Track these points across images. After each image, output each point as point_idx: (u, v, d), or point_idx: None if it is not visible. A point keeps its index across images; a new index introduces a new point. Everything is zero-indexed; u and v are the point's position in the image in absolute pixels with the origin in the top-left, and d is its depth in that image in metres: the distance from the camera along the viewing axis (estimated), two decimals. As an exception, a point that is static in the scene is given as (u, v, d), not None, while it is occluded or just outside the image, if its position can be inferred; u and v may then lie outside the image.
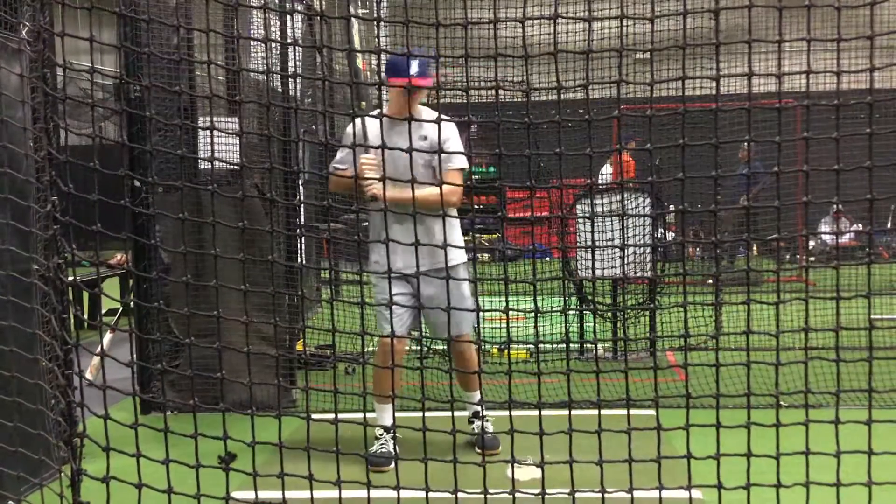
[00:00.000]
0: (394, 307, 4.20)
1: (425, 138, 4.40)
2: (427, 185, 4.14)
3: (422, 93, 4.60)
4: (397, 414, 4.56)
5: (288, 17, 5.89)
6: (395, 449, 4.46)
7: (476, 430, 4.79)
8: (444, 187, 3.84)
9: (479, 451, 4.62)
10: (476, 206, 10.29)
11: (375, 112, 4.41)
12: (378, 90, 4.35)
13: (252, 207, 5.48)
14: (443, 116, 4.18)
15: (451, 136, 4.45)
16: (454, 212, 4.63)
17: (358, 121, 4.05)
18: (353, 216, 9.28)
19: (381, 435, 4.56)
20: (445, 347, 6.33)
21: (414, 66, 4.34)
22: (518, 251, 11.59)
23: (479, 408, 4.75)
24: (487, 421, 4.84)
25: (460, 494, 2.68)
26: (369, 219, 4.70)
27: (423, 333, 5.27)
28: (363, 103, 4.37)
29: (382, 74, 4.98)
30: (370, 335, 3.34)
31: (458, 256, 4.60)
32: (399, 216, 3.76)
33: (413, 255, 3.73)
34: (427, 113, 4.62)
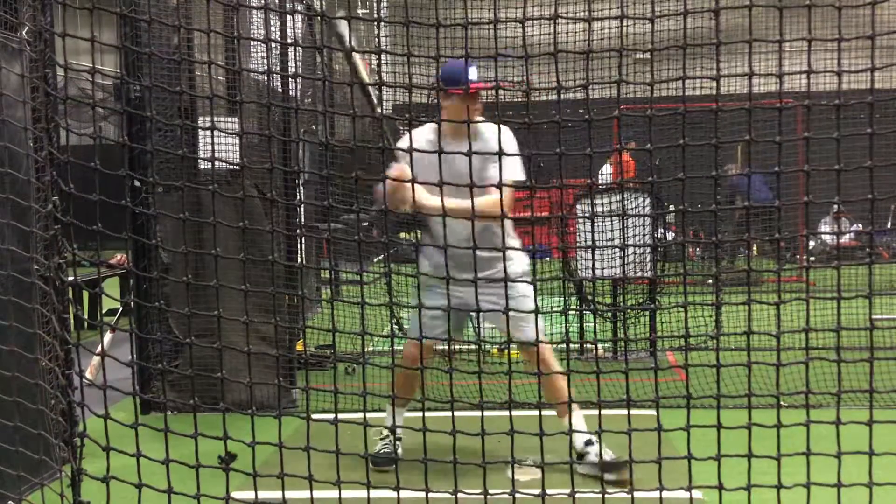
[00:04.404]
0: (429, 313, 4.11)
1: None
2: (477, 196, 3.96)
3: (479, 102, 4.36)
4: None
5: (288, 17, 5.89)
6: (396, 450, 4.46)
7: (594, 458, 4.23)
8: (491, 199, 3.63)
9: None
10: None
11: (428, 126, 4.31)
12: (379, 90, 4.33)
13: (252, 207, 5.48)
14: (490, 125, 3.93)
15: (509, 147, 4.16)
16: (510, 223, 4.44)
17: (406, 140, 3.94)
18: (353, 216, 9.28)
19: (385, 436, 4.55)
20: (445, 347, 6.34)
21: (474, 73, 4.21)
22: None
23: (585, 434, 4.18)
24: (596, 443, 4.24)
25: (460, 495, 2.68)
26: (427, 223, 4.46)
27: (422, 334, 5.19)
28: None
29: (385, 77, 4.91)
30: (370, 335, 3.34)
31: (515, 262, 4.33)
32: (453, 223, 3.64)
33: (467, 264, 3.54)
34: (485, 127, 4.33)
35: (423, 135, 4.25)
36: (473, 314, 4.31)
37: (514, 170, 4.22)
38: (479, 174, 3.97)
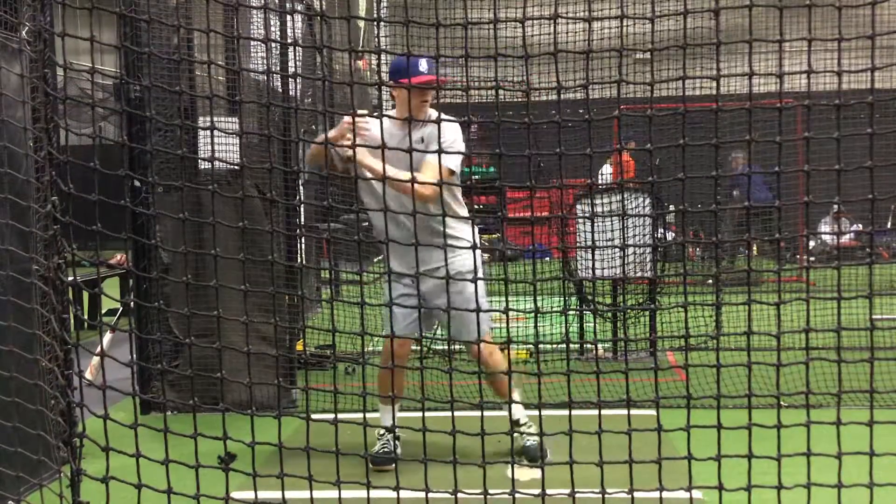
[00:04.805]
0: (398, 308, 4.18)
1: (422, 140, 4.30)
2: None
3: (431, 93, 4.41)
4: (398, 414, 4.56)
5: (288, 17, 5.89)
6: (395, 449, 4.46)
7: (523, 442, 4.51)
8: (418, 177, 3.69)
9: (526, 463, 4.33)
10: (476, 206, 10.35)
11: (376, 114, 4.34)
12: (378, 90, 4.33)
13: (252, 207, 5.48)
14: (445, 116, 4.10)
15: (451, 138, 4.29)
16: (463, 212, 4.55)
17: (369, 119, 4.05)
18: (353, 216, 9.28)
19: (382, 435, 4.56)
20: (445, 347, 6.34)
21: (424, 65, 4.29)
22: (518, 251, 11.58)
23: (518, 416, 4.46)
24: (529, 428, 4.50)
25: (460, 495, 2.68)
26: (370, 220, 4.60)
27: (423, 334, 5.21)
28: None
29: (384, 76, 4.93)
30: (370, 335, 3.34)
31: (466, 256, 4.32)
32: (398, 216, 3.72)
33: (417, 257, 3.67)
34: (433, 115, 4.35)
35: (374, 123, 4.26)
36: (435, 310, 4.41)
37: (450, 159, 4.24)
38: (420, 160, 4.12)
